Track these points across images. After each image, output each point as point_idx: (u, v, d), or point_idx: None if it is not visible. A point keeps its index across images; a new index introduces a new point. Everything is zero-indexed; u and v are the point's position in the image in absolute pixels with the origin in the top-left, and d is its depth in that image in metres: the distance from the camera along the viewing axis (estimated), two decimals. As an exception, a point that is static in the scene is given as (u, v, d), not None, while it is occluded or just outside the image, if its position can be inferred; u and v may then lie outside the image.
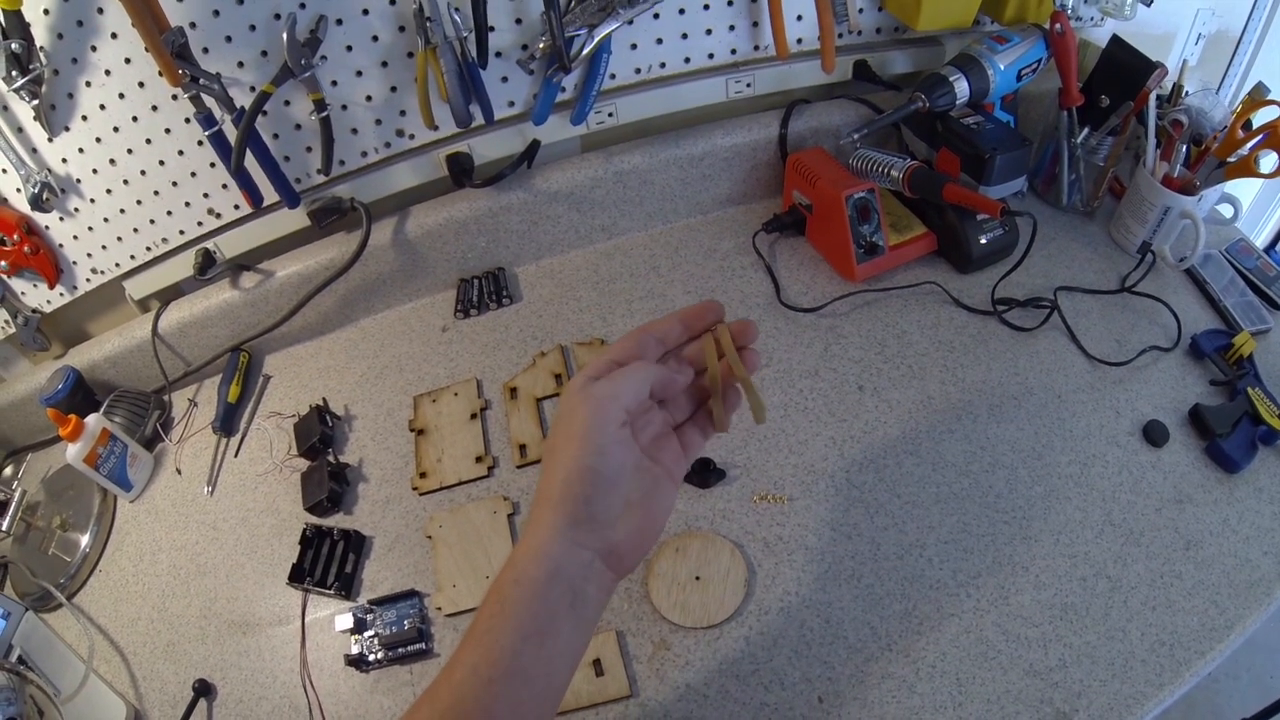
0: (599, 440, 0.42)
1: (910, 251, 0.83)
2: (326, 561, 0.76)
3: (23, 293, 1.01)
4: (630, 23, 0.80)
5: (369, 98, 0.82)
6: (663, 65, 0.86)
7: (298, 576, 0.76)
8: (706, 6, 0.84)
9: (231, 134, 0.79)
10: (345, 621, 0.71)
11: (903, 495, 0.67)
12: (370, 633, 0.70)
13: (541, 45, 0.79)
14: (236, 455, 0.92)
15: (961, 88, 0.81)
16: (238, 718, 0.73)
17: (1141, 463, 0.68)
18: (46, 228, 0.94)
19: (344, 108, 0.82)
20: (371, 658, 0.68)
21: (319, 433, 0.83)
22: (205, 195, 0.88)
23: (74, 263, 0.97)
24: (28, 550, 0.98)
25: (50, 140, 0.84)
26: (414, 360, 0.92)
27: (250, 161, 0.81)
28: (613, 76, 0.85)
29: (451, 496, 0.77)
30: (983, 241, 0.81)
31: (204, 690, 0.76)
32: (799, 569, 0.65)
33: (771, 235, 0.90)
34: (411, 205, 0.93)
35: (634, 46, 0.85)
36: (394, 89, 0.82)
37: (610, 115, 0.88)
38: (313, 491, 0.80)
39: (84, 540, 0.95)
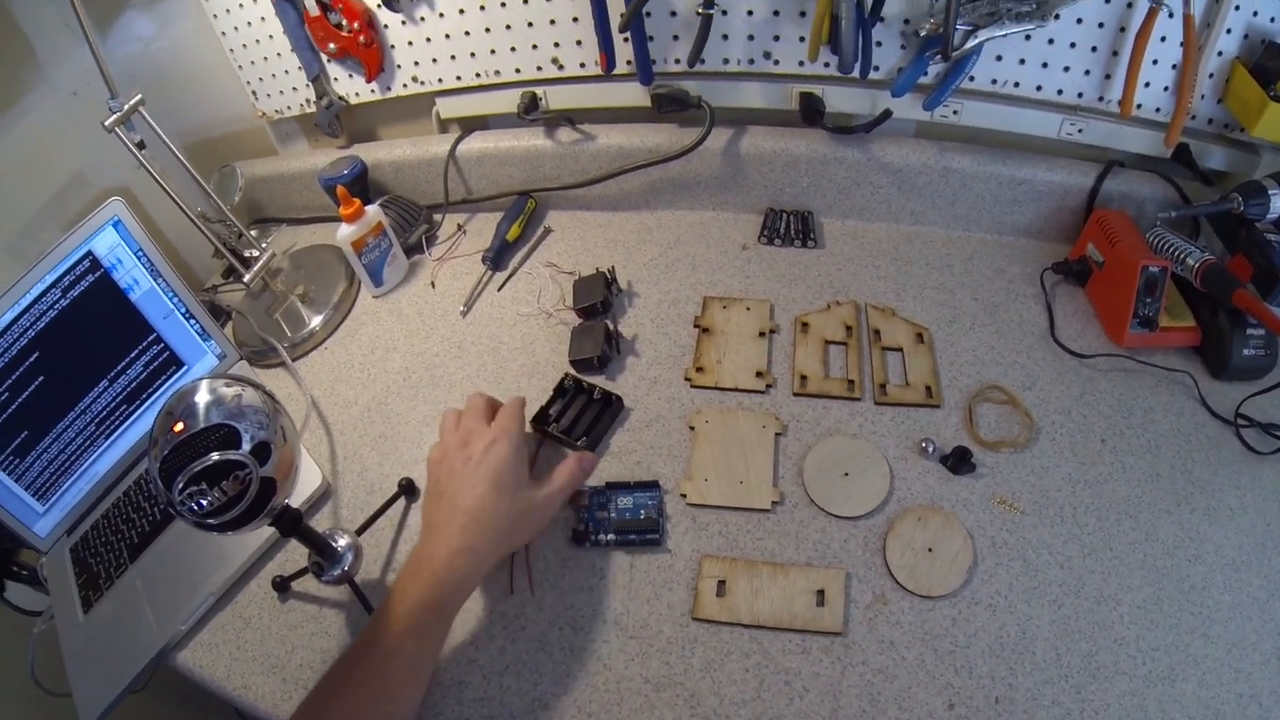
0: None
1: (1176, 338, 0.86)
2: (577, 415, 0.80)
3: (336, 78, 1.05)
4: (1005, 36, 0.83)
5: (750, 12, 0.86)
6: (1016, 85, 0.89)
7: (541, 420, 0.80)
8: (1073, 45, 0.86)
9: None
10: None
11: (1115, 550, 0.72)
12: (601, 514, 0.71)
13: (928, 26, 0.82)
14: (500, 290, 0.96)
15: (1276, 204, 0.83)
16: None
17: (1318, 621, 0.70)
18: (386, 26, 0.98)
19: (724, 13, 0.86)
20: (598, 538, 0.70)
21: (602, 295, 0.87)
22: (556, 45, 0.92)
23: (398, 66, 1.00)
24: (256, 308, 1.03)
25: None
26: (708, 265, 0.96)
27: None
28: (971, 79, 0.88)
29: (722, 398, 0.82)
30: (1245, 354, 0.84)
31: (408, 489, 0.80)
32: (1013, 576, 0.70)
33: (1056, 276, 0.94)
34: (748, 124, 0.97)
35: (999, 58, 0.88)
36: (776, 13, 0.86)
37: (955, 113, 0.91)
38: (583, 347, 0.84)
39: (316, 319, 0.99)
